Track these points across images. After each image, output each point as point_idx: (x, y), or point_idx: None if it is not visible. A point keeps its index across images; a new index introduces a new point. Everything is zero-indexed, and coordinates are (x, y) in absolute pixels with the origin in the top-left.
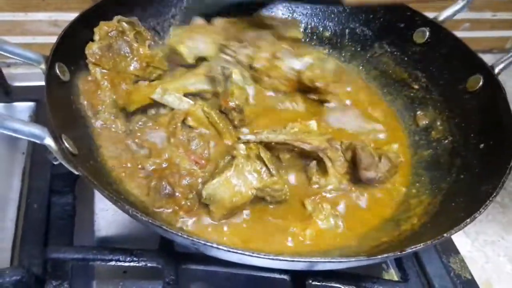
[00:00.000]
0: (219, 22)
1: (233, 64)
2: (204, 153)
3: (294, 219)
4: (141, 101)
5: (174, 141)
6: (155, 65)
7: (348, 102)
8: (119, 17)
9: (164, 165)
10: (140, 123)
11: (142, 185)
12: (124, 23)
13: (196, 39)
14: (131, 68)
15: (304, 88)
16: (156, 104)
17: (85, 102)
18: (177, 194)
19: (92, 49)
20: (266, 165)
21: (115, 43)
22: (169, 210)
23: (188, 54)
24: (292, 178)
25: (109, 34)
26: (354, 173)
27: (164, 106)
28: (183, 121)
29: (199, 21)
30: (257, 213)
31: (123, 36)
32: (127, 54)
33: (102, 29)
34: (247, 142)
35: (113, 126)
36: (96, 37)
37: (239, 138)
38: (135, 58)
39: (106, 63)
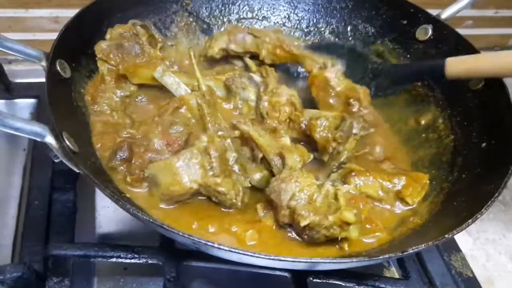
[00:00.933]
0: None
1: (256, 85)
2: (179, 139)
3: (241, 219)
4: (146, 78)
5: (157, 119)
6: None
7: None
8: (133, 20)
9: (138, 137)
10: (137, 99)
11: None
12: (138, 27)
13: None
14: None
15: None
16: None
17: (87, 93)
18: (133, 161)
19: (101, 46)
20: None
21: (127, 43)
22: (120, 174)
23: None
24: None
25: (122, 35)
26: None
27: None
28: (177, 108)
29: None
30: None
31: (136, 38)
32: (137, 54)
33: (116, 30)
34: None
35: (110, 119)
36: (108, 36)
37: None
38: (144, 59)
39: (113, 60)
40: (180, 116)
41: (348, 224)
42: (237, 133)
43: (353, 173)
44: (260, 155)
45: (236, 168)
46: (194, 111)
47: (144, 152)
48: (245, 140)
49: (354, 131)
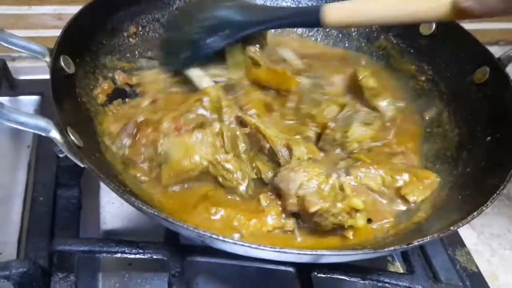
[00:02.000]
0: None
1: None
2: (187, 125)
3: (245, 209)
4: None
5: (176, 107)
6: None
7: None
8: None
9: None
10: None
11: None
12: None
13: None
14: None
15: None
16: None
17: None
18: (138, 137)
19: None
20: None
21: None
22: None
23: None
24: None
25: None
26: None
27: None
28: (199, 99)
29: None
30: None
31: None
32: None
33: None
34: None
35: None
36: None
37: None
38: None
39: None
40: (199, 106)
41: (356, 211)
42: (247, 130)
43: (357, 164)
44: (268, 146)
45: (244, 158)
46: (215, 104)
47: (151, 132)
48: (253, 134)
49: (358, 120)
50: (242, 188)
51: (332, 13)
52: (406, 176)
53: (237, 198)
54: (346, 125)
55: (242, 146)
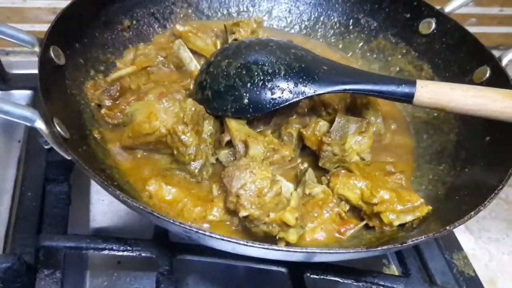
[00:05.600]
0: None
1: None
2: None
3: (195, 194)
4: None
5: (167, 84)
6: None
7: None
8: None
9: (141, 89)
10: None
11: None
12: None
13: None
14: None
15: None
16: None
17: None
18: (119, 102)
19: None
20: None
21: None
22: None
23: None
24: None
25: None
26: None
27: None
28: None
29: None
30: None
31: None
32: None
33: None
34: None
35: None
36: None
37: None
38: None
39: None
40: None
41: (287, 226)
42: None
43: (342, 171)
44: (227, 138)
45: (207, 139)
46: None
47: (132, 100)
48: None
49: (351, 130)
50: (194, 166)
51: (422, 95)
52: (386, 195)
53: (192, 180)
54: (342, 136)
55: (208, 128)
